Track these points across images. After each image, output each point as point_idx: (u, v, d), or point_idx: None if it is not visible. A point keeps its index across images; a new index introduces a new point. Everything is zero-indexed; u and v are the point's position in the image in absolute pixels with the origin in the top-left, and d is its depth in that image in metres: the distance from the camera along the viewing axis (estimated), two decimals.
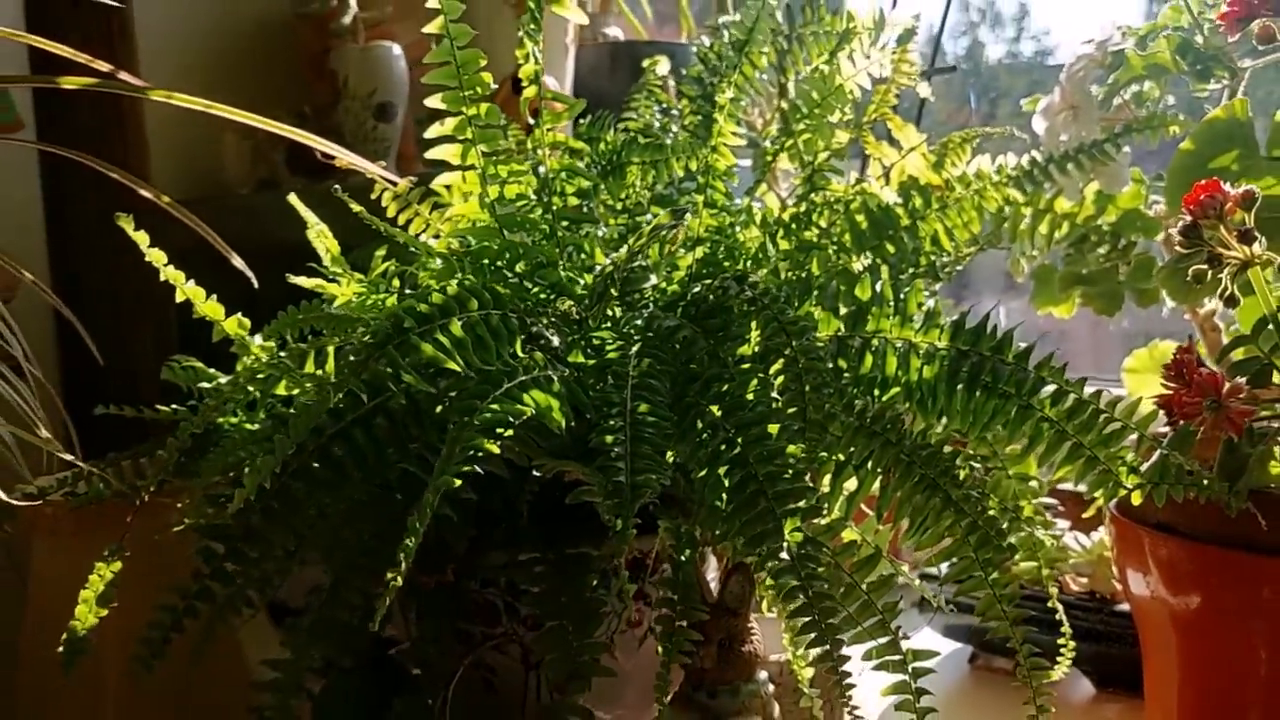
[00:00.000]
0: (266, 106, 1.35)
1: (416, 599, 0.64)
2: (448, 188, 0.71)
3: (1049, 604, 0.67)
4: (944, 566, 0.64)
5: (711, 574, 0.73)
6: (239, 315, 0.65)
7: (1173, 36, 0.86)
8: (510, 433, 0.52)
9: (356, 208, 0.65)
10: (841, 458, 0.63)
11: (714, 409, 0.59)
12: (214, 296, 0.68)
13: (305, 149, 1.32)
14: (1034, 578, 0.69)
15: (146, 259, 0.66)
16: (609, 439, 0.53)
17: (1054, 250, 0.95)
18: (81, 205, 1.31)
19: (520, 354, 0.56)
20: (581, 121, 0.81)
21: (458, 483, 0.46)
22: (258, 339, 0.65)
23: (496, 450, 0.48)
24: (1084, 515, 0.71)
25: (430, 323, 0.53)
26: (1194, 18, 0.87)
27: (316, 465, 0.54)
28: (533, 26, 0.69)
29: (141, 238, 0.62)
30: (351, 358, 0.53)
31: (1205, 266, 0.52)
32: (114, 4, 0.79)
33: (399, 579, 0.43)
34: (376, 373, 0.51)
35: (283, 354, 0.61)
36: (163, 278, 0.64)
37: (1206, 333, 0.87)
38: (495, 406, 0.50)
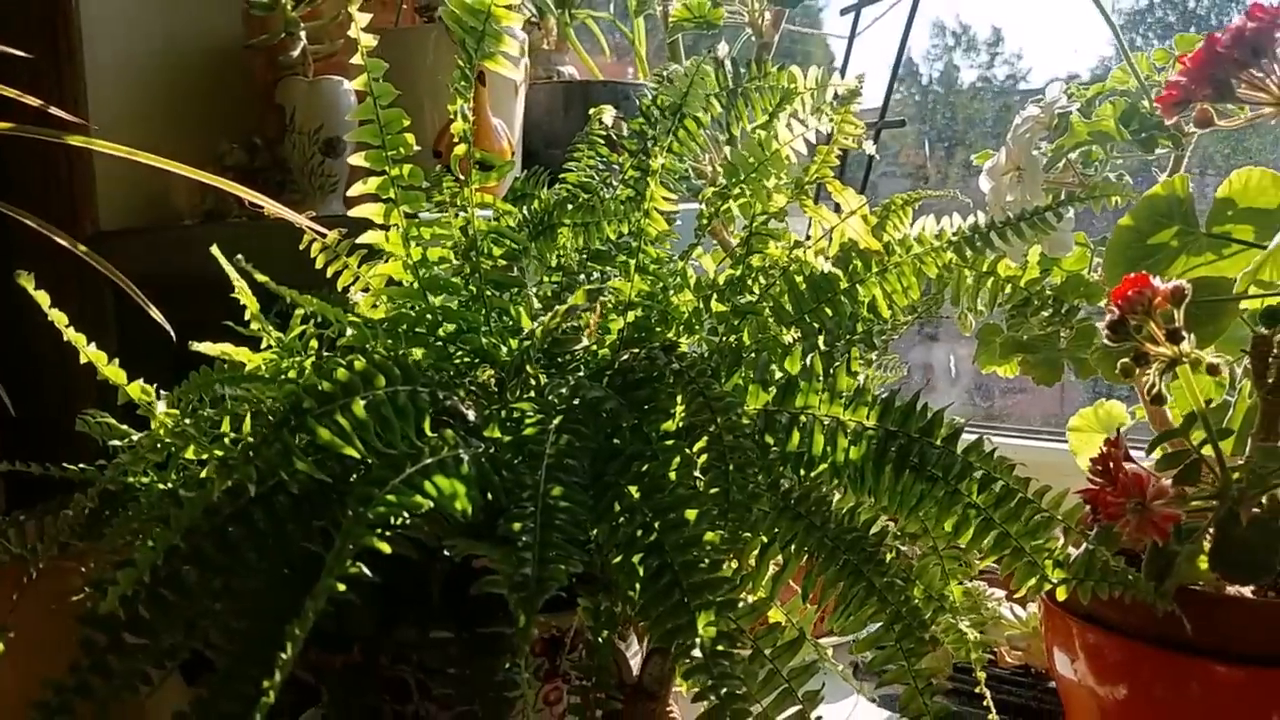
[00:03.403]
0: (218, 135, 1.33)
1: (323, 680, 0.61)
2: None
3: (976, 688, 0.65)
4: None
5: (634, 650, 0.71)
6: (140, 381, 0.63)
7: (1119, 102, 0.86)
8: (415, 519, 0.49)
9: (262, 278, 0.63)
10: (766, 539, 0.62)
11: (633, 490, 0.57)
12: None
13: (254, 179, 1.30)
14: (964, 659, 0.67)
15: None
16: (517, 526, 0.51)
17: (998, 309, 0.94)
18: (23, 239, 1.28)
19: (429, 433, 0.54)
20: (517, 177, 0.80)
21: (342, 588, 0.44)
22: (162, 405, 0.63)
23: (388, 550, 0.46)
24: (1013, 596, 0.69)
25: (331, 403, 0.50)
26: (1140, 83, 0.87)
27: (212, 549, 0.52)
28: (463, 84, 0.67)
29: (43, 297, 0.60)
30: (251, 437, 0.50)
31: (1131, 362, 0.50)
32: (23, 55, 0.76)
33: (273, 693, 0.40)
34: (269, 458, 0.49)
35: (188, 421, 0.59)
36: (66, 338, 0.61)
37: (1148, 400, 0.86)
38: (391, 497, 0.47)
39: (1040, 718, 0.78)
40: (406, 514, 0.47)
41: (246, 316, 0.70)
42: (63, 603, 0.64)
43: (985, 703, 0.64)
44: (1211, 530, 0.54)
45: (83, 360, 0.62)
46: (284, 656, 0.41)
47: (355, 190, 0.66)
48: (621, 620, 0.64)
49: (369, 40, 0.62)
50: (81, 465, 0.68)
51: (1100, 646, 0.60)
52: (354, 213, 0.67)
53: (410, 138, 0.63)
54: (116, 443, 0.70)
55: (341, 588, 0.43)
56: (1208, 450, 0.56)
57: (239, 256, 0.68)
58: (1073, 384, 1.43)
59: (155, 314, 0.71)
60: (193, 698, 0.54)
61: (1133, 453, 0.67)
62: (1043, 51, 1.52)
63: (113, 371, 0.61)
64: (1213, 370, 0.51)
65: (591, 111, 0.92)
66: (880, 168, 1.58)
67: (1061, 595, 0.55)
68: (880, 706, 0.88)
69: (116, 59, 1.33)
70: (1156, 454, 0.54)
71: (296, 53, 1.21)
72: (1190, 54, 0.59)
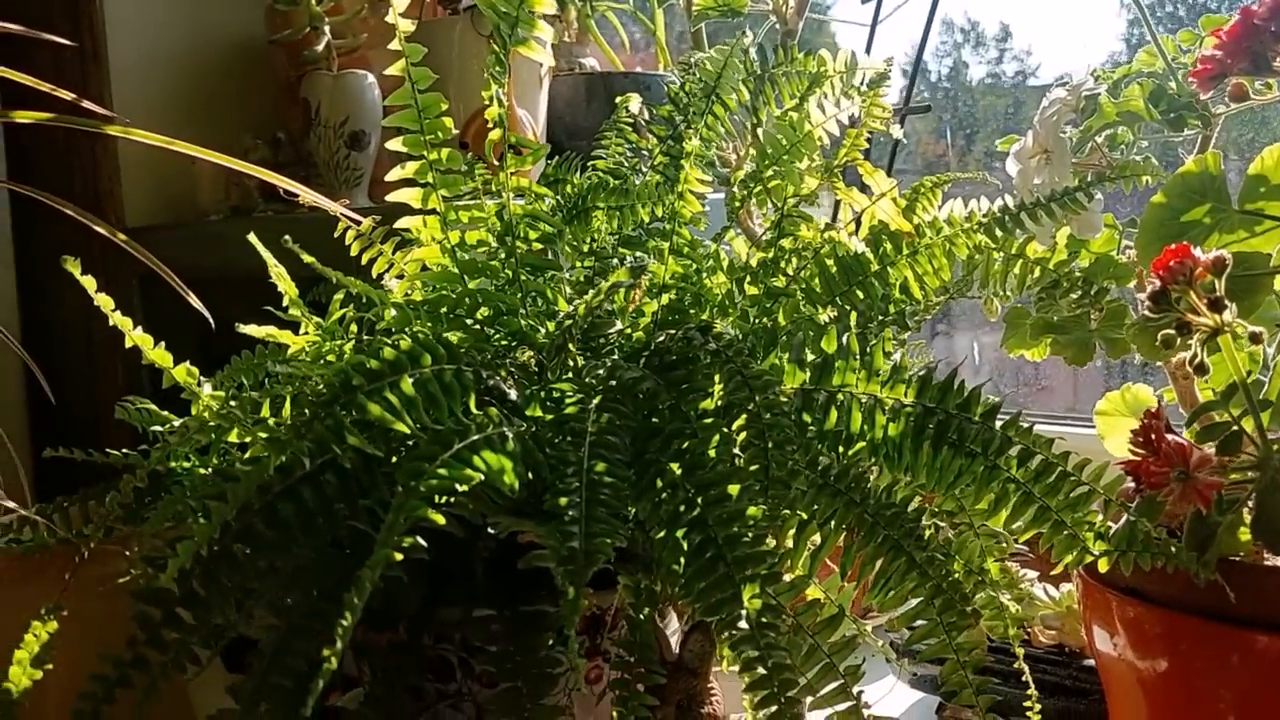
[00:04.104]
0: (241, 131, 1.34)
1: (368, 657, 0.62)
2: (415, 228, 0.70)
3: (1014, 664, 0.66)
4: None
5: (674, 628, 0.71)
6: (187, 364, 0.63)
7: (1146, 83, 0.86)
8: (460, 496, 0.50)
9: (308, 259, 0.64)
10: (804, 515, 0.62)
11: (674, 467, 0.58)
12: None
13: (278, 174, 1.31)
14: (1002, 635, 0.68)
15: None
16: (563, 501, 0.52)
17: (1026, 291, 0.94)
18: (51, 234, 1.30)
19: (474, 410, 0.55)
20: (550, 161, 0.80)
21: (399, 556, 0.44)
22: (208, 387, 0.64)
23: (442, 521, 0.47)
24: (1052, 573, 0.70)
25: (380, 380, 0.51)
26: (1168, 64, 0.87)
27: (262, 525, 0.52)
28: (498, 69, 0.68)
29: (89, 282, 0.61)
30: (300, 414, 0.51)
31: (1174, 332, 0.51)
32: (68, 43, 0.77)
33: (334, 659, 0.41)
34: (321, 433, 0.49)
35: (233, 403, 0.60)
36: (112, 322, 0.62)
37: (1177, 380, 0.86)
38: (443, 471, 0.48)
39: (1075, 696, 0.78)
40: (459, 486, 0.48)
41: (285, 303, 0.71)
42: (109, 585, 0.65)
43: (1024, 678, 0.64)
44: (1252, 501, 0.54)
45: (128, 344, 0.63)
46: (344, 623, 0.41)
47: (393, 175, 0.66)
48: (661, 598, 0.64)
49: (406, 25, 0.63)
50: (125, 450, 0.69)
51: (1140, 620, 0.61)
52: (391, 198, 0.67)
53: (448, 121, 0.64)
54: (158, 428, 0.71)
55: (398, 557, 0.44)
56: (1245, 423, 0.56)
57: (288, 239, 0.69)
58: (1088, 376, 1.44)
59: (196, 304, 0.72)
60: (243, 676, 0.55)
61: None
62: (1051, 47, 1.53)
63: (159, 355, 0.62)
64: (1255, 339, 0.51)
65: (618, 100, 0.92)
66: (896, 161, 1.59)
67: (1103, 567, 0.55)
68: (913, 688, 0.89)
69: (140, 56, 1.34)
70: (1191, 429, 0.55)
71: (321, 47, 1.22)
72: (1226, 27, 0.59)
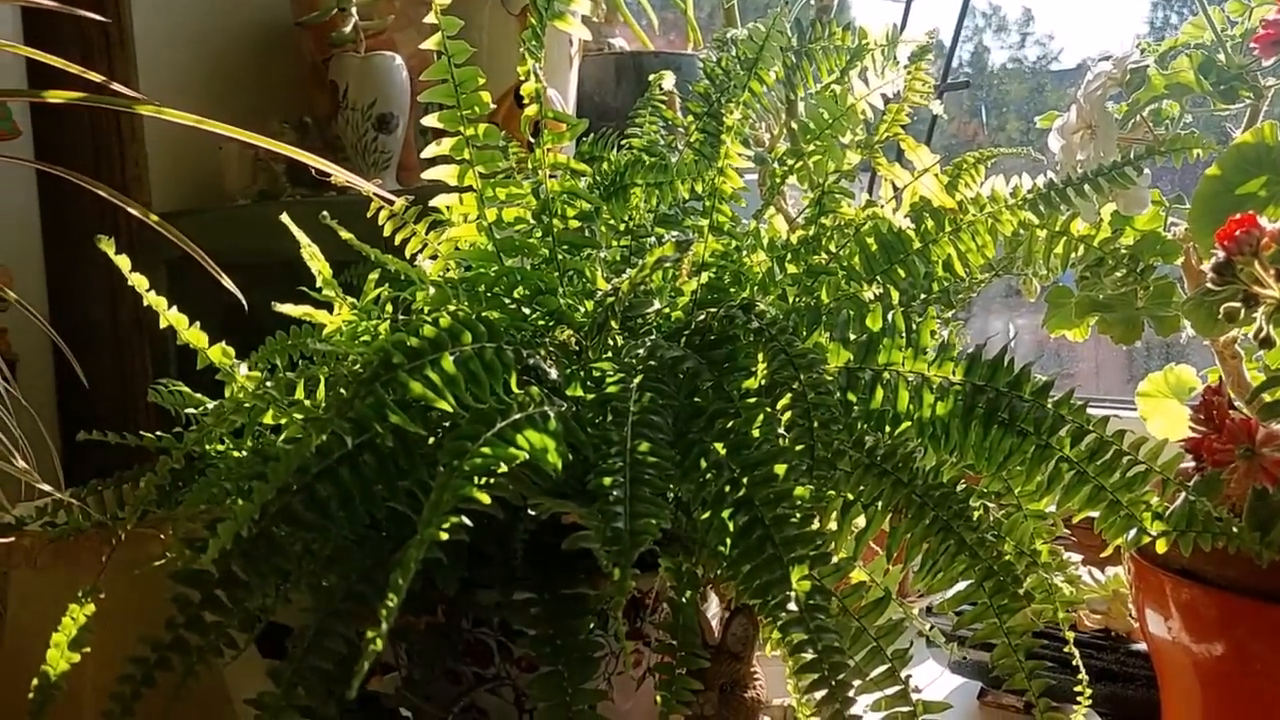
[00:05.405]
0: (267, 116, 1.33)
1: (406, 640, 0.61)
2: (447, 207, 0.68)
3: (1065, 648, 0.64)
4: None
5: (713, 611, 0.70)
6: (223, 344, 0.62)
7: (1195, 54, 0.84)
8: (500, 477, 0.49)
9: (346, 235, 0.63)
10: (850, 496, 0.61)
11: (718, 446, 0.57)
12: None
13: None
14: (1049, 619, 0.66)
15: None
16: (607, 481, 0.51)
17: (1069, 270, 0.92)
18: (78, 218, 1.29)
19: (515, 389, 0.54)
20: (584, 139, 0.79)
21: (444, 536, 0.43)
22: (244, 368, 0.63)
23: (487, 500, 0.46)
24: (1102, 555, 0.68)
25: (420, 358, 0.50)
26: (1216, 35, 0.85)
27: (300, 506, 0.51)
28: (534, 43, 0.66)
29: (123, 261, 0.60)
30: (338, 394, 0.50)
31: (1238, 305, 0.49)
32: (103, 19, 0.76)
33: (379, 641, 0.40)
34: (363, 411, 0.48)
35: (269, 384, 0.59)
36: (146, 303, 0.61)
37: (1226, 359, 0.84)
38: (486, 450, 0.47)
39: (1122, 681, 0.77)
40: (502, 466, 0.47)
41: (319, 283, 0.70)
42: (143, 569, 0.65)
43: (1074, 663, 0.63)
44: None
45: (162, 324, 0.62)
46: (390, 604, 0.40)
47: (429, 152, 0.65)
48: (703, 581, 0.63)
49: None
50: (158, 433, 0.69)
51: (1196, 603, 0.59)
52: (427, 175, 0.66)
53: (486, 96, 0.62)
54: (191, 411, 0.71)
55: (443, 536, 0.43)
56: None
57: (326, 215, 0.68)
58: (1110, 363, 1.41)
59: (230, 286, 0.71)
60: (282, 660, 0.54)
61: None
62: (1074, 32, 1.50)
63: (194, 335, 0.62)
64: None
65: (652, 77, 0.91)
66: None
67: (1162, 548, 0.54)
68: (953, 673, 0.87)
69: (165, 40, 1.34)
70: (1253, 405, 0.53)
71: (349, 28, 1.21)
72: None
